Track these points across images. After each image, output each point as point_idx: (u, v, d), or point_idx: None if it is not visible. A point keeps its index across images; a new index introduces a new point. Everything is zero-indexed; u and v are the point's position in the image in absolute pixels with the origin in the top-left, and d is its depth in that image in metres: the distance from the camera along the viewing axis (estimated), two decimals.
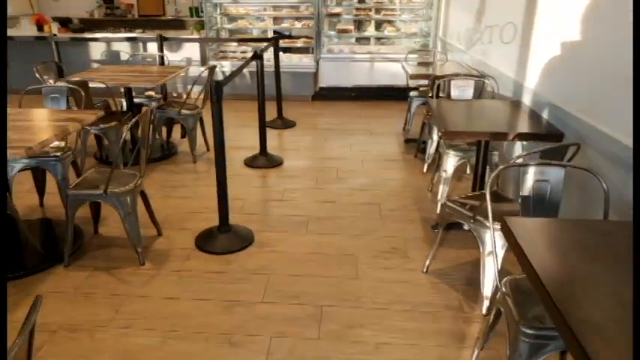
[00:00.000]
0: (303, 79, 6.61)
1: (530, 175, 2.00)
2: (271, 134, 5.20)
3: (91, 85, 3.53)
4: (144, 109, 4.65)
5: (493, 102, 3.48)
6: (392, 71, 6.48)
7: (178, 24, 8.13)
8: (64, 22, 6.66)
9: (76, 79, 3.53)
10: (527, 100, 3.19)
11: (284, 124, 5.52)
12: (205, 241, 2.83)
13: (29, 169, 2.97)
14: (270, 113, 5.50)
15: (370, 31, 6.73)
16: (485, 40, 4.27)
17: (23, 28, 6.85)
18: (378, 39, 7.01)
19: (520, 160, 2.10)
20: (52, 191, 3.22)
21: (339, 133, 5.32)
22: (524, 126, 2.83)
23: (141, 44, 6.47)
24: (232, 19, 6.95)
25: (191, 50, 6.59)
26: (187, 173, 4.06)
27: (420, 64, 5.06)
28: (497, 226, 2.02)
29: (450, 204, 2.53)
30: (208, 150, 4.61)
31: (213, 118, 2.72)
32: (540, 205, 2.02)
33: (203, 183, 3.85)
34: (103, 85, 3.52)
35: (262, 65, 4.16)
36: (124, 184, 2.53)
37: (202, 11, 6.46)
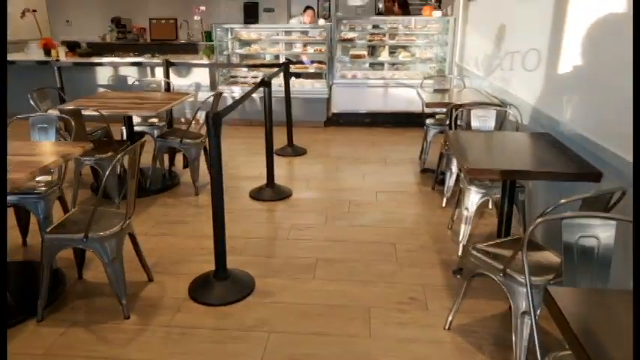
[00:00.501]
0: (316, 104, 6.39)
1: (574, 229, 1.69)
2: (281, 163, 4.95)
3: (86, 113, 3.32)
4: (145, 137, 4.48)
5: (518, 134, 3.17)
6: (407, 97, 6.24)
7: (191, 48, 8.02)
8: (72, 47, 6.55)
9: (70, 107, 3.33)
10: (555, 132, 2.88)
11: (294, 151, 5.27)
12: (200, 290, 2.54)
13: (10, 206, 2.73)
14: (281, 140, 5.27)
15: (384, 56, 6.51)
16: (505, 66, 3.99)
17: (30, 53, 6.76)
18: (392, 64, 6.79)
19: (561, 207, 1.79)
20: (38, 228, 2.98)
21: (351, 161, 5.05)
22: (555, 163, 2.51)
23: (149, 69, 6.32)
24: (244, 43, 6.80)
25: (201, 75, 6.42)
26: (188, 207, 3.80)
27: (436, 90, 4.79)
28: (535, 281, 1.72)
29: (476, 253, 2.22)
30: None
31: (210, 154, 2.47)
32: (588, 263, 1.70)
33: (204, 218, 3.58)
34: (96, 113, 3.30)
35: (270, 92, 3.93)
36: (108, 227, 2.27)
37: (214, 36, 6.30)
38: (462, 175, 3.11)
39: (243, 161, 5.00)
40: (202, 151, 4.21)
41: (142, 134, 4.35)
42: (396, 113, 6.37)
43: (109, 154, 3.42)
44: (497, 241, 2.38)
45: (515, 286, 2.04)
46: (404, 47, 6.71)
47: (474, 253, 2.23)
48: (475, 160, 2.49)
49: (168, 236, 3.27)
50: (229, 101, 6.46)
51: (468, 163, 2.41)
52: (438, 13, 6.24)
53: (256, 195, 4.00)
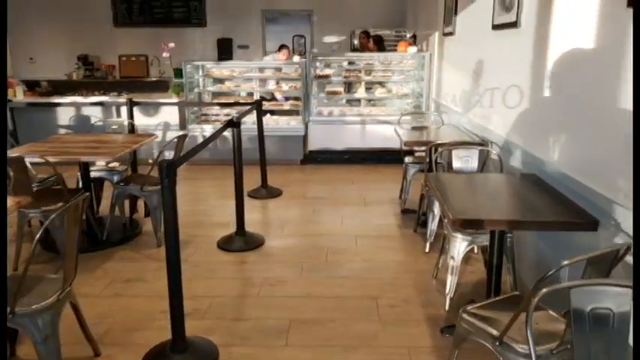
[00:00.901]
0: (292, 142, 6.17)
1: (584, 297, 1.44)
2: (253, 206, 4.67)
3: (34, 160, 3.01)
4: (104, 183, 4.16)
5: (503, 176, 2.98)
6: (384, 133, 6.06)
7: (162, 86, 7.76)
8: (32, 86, 6.24)
9: (14, 154, 3.01)
10: (541, 172, 2.69)
11: (268, 193, 4.99)
12: None
13: None
14: (255, 180, 5.01)
15: (360, 92, 6.38)
16: (485, 103, 3.84)
17: None
18: (369, 100, 6.65)
19: (565, 273, 1.55)
20: None
21: (329, 202, 4.79)
22: (547, 210, 2.28)
23: (114, 109, 6.04)
24: (217, 81, 6.59)
25: (170, 114, 6.16)
26: (148, 261, 3.46)
27: (414, 128, 4.62)
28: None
29: (467, 317, 1.95)
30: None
31: (164, 208, 2.18)
32: (601, 332, 1.45)
33: (165, 274, 3.24)
34: (42, 160, 2.99)
35: (239, 133, 3.68)
36: (42, 297, 1.94)
37: (183, 73, 6.08)
38: (446, 221, 2.87)
39: (214, 205, 4.70)
40: None
41: (100, 180, 4.04)
42: (374, 150, 6.19)
43: (59, 204, 3.09)
44: (490, 301, 2.12)
45: (514, 356, 1.77)
46: (380, 83, 6.59)
47: (465, 317, 1.96)
48: (461, 208, 2.25)
49: (123, 297, 2.92)
50: (200, 141, 6.19)
51: (453, 211, 2.17)
52: (413, 49, 6.16)
53: (225, 245, 3.69)
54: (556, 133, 2.61)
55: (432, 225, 3.55)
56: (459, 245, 2.73)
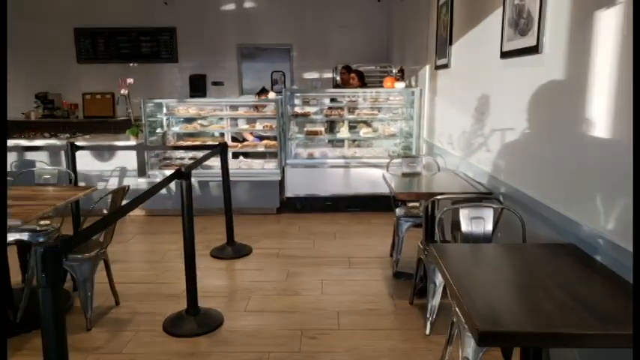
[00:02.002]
0: (267, 188, 5.45)
1: None
2: (215, 269, 3.91)
3: None
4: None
5: (533, 249, 2.26)
6: (371, 178, 5.40)
7: (129, 126, 7.06)
8: None
9: None
10: (578, 240, 2.00)
11: (235, 251, 4.23)
12: None
13: None
14: (223, 235, 4.27)
15: (343, 132, 5.74)
16: (492, 146, 3.19)
17: None
18: (353, 141, 6.02)
19: None
20: None
21: (307, 262, 4.04)
22: (612, 309, 1.58)
23: (63, 153, 5.28)
24: (182, 120, 5.91)
25: (127, 159, 5.42)
26: (73, 353, 2.64)
27: (405, 174, 3.94)
28: None
29: None
30: (117, 304, 3.24)
31: (42, 323, 1.42)
32: None
33: None
34: None
35: (189, 187, 2.95)
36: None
37: (142, 112, 5.39)
38: (455, 307, 2.15)
39: (168, 269, 3.91)
40: (104, 266, 3.13)
41: (24, 246, 3.25)
42: (360, 196, 5.51)
43: None
44: None
45: None
46: (365, 122, 5.98)
47: None
48: (488, 312, 1.53)
49: None
50: (162, 191, 5.44)
51: (478, 316, 1.45)
52: (401, 85, 5.57)
53: (172, 328, 2.90)
54: (604, 189, 1.94)
55: (434, 300, 2.82)
56: (477, 349, 2.00)
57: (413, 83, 5.88)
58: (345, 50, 8.32)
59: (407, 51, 6.51)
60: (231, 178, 5.33)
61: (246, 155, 6.19)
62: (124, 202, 2.91)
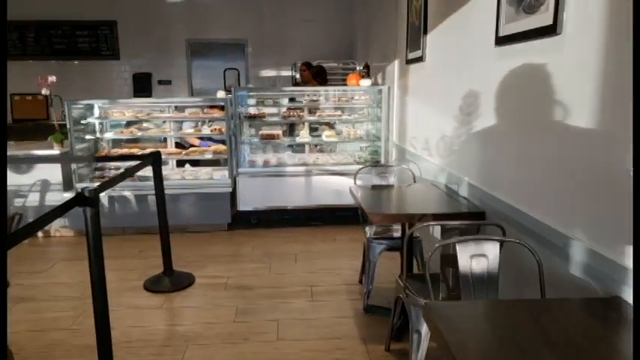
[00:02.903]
0: (216, 201, 4.74)
1: None
2: (145, 311, 3.18)
3: None
4: None
5: (570, 309, 1.64)
6: (335, 187, 4.79)
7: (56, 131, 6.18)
8: None
9: None
10: (624, 290, 1.43)
11: (173, 282, 3.51)
12: None
13: None
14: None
15: (304, 136, 5.08)
16: (481, 154, 2.62)
17: None
18: (315, 145, 5.39)
19: None
20: None
21: (262, 295, 3.36)
22: None
23: None
24: (124, 124, 5.12)
25: (51, 170, 4.59)
26: None
27: (375, 187, 3.33)
28: None
29: None
30: None
31: None
32: None
33: None
34: None
35: (96, 216, 2.23)
36: None
37: (66, 116, 4.58)
38: None
39: (92, 309, 3.14)
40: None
41: None
42: (324, 208, 4.87)
43: None
44: None
45: None
46: (328, 124, 5.36)
47: None
48: None
49: None
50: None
51: None
52: (366, 82, 4.98)
53: None
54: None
55: (418, 354, 2.20)
56: None
57: (380, 81, 5.29)
58: (305, 46, 7.68)
59: (373, 46, 5.92)
60: (174, 191, 4.63)
61: (195, 163, 5.46)
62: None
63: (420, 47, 3.67)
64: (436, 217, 2.44)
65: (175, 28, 7.73)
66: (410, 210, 2.64)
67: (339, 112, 5.11)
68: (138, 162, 3.37)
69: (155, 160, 3.44)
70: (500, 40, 2.22)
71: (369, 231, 3.18)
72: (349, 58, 7.23)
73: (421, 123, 3.77)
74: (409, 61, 4.01)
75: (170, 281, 3.49)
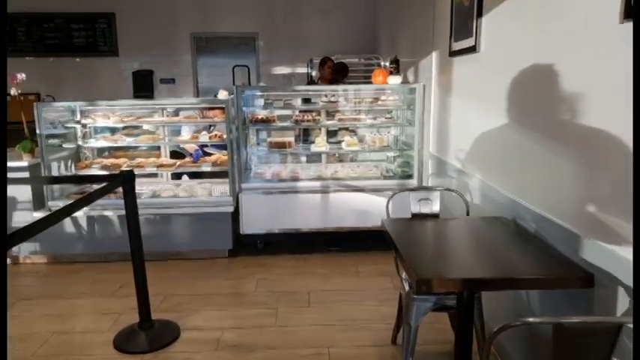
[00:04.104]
0: (214, 222, 3.96)
1: None
2: None
3: None
4: None
5: None
6: (356, 205, 4.00)
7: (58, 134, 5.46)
8: None
9: None
10: None
11: (150, 339, 2.72)
12: None
13: None
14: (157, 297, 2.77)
15: (320, 144, 4.26)
16: (597, 190, 1.77)
17: None
18: (334, 155, 4.58)
19: None
20: None
21: (264, 356, 2.56)
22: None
23: None
24: (100, 129, 4.38)
25: (18, 186, 3.86)
26: None
27: (415, 219, 2.50)
28: None
29: None
30: None
31: None
32: None
33: None
34: None
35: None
36: None
37: (37, 120, 3.85)
38: None
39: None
40: None
41: None
42: (343, 231, 4.06)
43: None
44: None
45: None
46: (348, 130, 4.53)
47: None
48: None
49: None
50: (69, 229, 3.91)
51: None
52: (396, 79, 4.14)
53: None
54: None
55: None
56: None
57: (411, 78, 4.44)
58: (322, 40, 6.87)
59: (401, 37, 5.06)
60: (165, 211, 3.88)
61: (195, 175, 4.70)
62: None
63: (471, 34, 2.82)
64: (520, 282, 1.60)
65: (179, 21, 6.99)
66: (480, 269, 1.80)
67: (362, 116, 4.28)
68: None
69: (127, 180, 2.65)
70: (632, 13, 1.36)
71: (408, 281, 2.36)
72: (372, 53, 6.40)
73: (471, 131, 2.91)
74: (454, 53, 3.16)
75: (146, 337, 2.70)
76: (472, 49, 2.80)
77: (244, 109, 4.08)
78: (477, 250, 2.03)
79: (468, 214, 2.58)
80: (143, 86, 7.03)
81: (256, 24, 7.06)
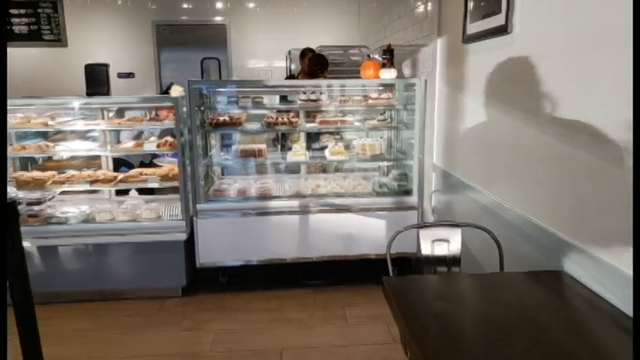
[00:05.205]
0: (163, 253, 3.13)
1: None
2: None
3: None
4: None
5: None
6: (342, 229, 3.22)
7: None
8: None
9: None
10: None
11: None
12: None
13: None
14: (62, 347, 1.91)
15: (299, 152, 3.45)
16: None
17: None
18: (317, 165, 3.79)
19: None
20: None
21: None
22: None
23: None
24: (38, 134, 3.55)
25: None
26: None
27: (427, 264, 1.73)
28: None
29: None
30: None
31: None
32: None
33: None
34: None
35: None
36: None
37: None
38: None
39: None
40: None
41: None
42: (327, 261, 3.27)
43: None
44: None
45: None
46: (333, 134, 3.75)
47: None
48: None
49: None
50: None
51: None
52: (390, 73, 3.35)
53: None
54: None
55: None
56: None
57: (407, 71, 3.66)
58: (305, 30, 6.05)
59: (394, 22, 4.26)
60: (101, 239, 3.05)
61: (147, 191, 3.85)
62: None
63: (499, 9, 2.04)
64: None
65: (138, 6, 6.10)
66: None
67: (349, 117, 3.48)
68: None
69: (10, 211, 1.81)
70: None
71: None
72: (359, 43, 5.60)
73: (497, 142, 2.13)
74: (470, 38, 2.38)
75: None
76: (501, 30, 2.03)
77: (202, 109, 3.26)
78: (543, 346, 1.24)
79: (501, 265, 1.81)
80: (96, 81, 6.09)
81: (227, 11, 6.21)
